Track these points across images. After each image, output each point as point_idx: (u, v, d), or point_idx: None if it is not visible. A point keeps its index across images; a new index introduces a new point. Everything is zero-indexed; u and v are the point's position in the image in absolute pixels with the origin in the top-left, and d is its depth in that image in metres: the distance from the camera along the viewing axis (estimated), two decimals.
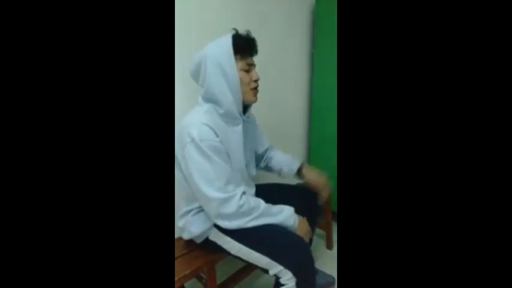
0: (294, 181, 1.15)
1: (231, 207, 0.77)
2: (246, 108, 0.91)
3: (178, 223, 0.92)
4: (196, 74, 0.85)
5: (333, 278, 1.19)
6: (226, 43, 0.80)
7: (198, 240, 0.90)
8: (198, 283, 1.08)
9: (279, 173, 1.13)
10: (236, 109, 0.84)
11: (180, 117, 1.02)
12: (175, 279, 0.79)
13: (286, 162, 1.11)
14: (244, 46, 0.84)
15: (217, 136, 0.78)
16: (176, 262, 0.87)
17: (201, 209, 0.87)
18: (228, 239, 0.84)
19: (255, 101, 0.90)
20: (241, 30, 0.87)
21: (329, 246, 1.48)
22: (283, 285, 0.76)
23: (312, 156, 1.78)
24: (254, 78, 0.87)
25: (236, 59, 0.81)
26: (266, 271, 0.81)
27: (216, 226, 0.84)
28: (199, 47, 0.84)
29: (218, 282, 0.96)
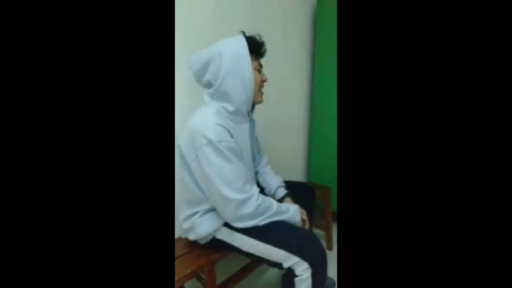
0: (293, 177, 1.15)
1: (250, 208, 0.78)
2: (251, 108, 0.93)
3: (183, 225, 0.92)
4: (202, 73, 0.85)
5: (333, 280, 1.19)
6: (242, 43, 0.81)
7: (204, 241, 0.90)
8: (198, 283, 1.08)
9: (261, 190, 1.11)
10: (246, 108, 0.86)
11: (179, 117, 1.01)
12: (175, 279, 0.79)
13: (272, 185, 1.07)
14: (256, 47, 0.86)
15: (232, 137, 0.79)
16: (176, 262, 0.87)
17: (208, 210, 0.87)
18: (240, 235, 0.84)
19: (262, 101, 0.93)
20: (242, 31, 0.87)
21: (329, 247, 1.48)
22: (297, 276, 0.77)
23: (312, 156, 1.78)
24: (264, 79, 0.90)
25: (251, 59, 0.83)
26: (276, 265, 0.81)
27: (226, 224, 0.84)
28: (198, 47, 0.84)
29: (218, 282, 0.96)
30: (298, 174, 1.84)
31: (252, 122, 0.94)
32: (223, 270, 1.15)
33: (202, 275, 0.98)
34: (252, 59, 0.83)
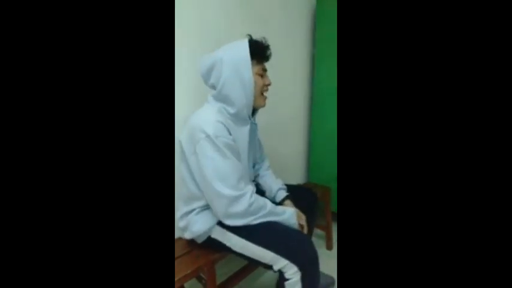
0: (294, 181, 1.15)
1: (241, 205, 0.77)
2: (253, 112, 0.94)
3: (180, 224, 0.92)
4: (207, 77, 0.88)
5: (333, 278, 1.19)
6: (243, 48, 0.82)
7: (200, 240, 0.90)
8: (198, 283, 1.09)
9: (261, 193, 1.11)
10: (246, 111, 0.86)
11: (180, 117, 1.02)
12: (175, 279, 0.79)
13: (272, 187, 1.06)
14: (260, 51, 0.87)
15: (230, 134, 0.80)
16: (176, 262, 0.87)
17: (203, 208, 0.87)
18: (232, 235, 0.84)
19: (264, 105, 0.93)
20: (243, 32, 0.87)
21: (329, 247, 1.48)
22: (287, 279, 0.77)
23: (312, 156, 1.79)
24: (267, 83, 0.91)
25: (252, 63, 0.84)
26: (269, 267, 0.81)
27: (220, 223, 0.84)
28: (199, 49, 0.84)
29: (218, 282, 0.96)
30: (298, 174, 1.84)
31: (253, 125, 0.95)
32: (223, 270, 1.15)
33: (202, 275, 0.98)
34: (254, 63, 0.84)
